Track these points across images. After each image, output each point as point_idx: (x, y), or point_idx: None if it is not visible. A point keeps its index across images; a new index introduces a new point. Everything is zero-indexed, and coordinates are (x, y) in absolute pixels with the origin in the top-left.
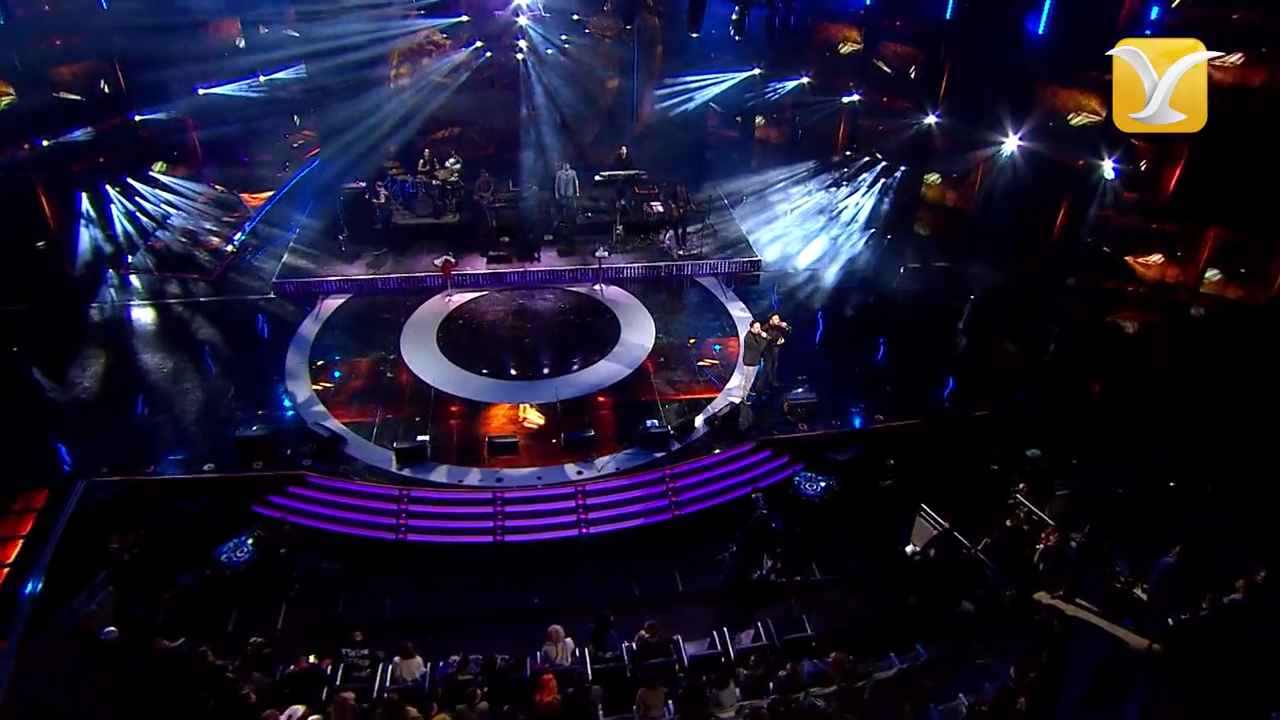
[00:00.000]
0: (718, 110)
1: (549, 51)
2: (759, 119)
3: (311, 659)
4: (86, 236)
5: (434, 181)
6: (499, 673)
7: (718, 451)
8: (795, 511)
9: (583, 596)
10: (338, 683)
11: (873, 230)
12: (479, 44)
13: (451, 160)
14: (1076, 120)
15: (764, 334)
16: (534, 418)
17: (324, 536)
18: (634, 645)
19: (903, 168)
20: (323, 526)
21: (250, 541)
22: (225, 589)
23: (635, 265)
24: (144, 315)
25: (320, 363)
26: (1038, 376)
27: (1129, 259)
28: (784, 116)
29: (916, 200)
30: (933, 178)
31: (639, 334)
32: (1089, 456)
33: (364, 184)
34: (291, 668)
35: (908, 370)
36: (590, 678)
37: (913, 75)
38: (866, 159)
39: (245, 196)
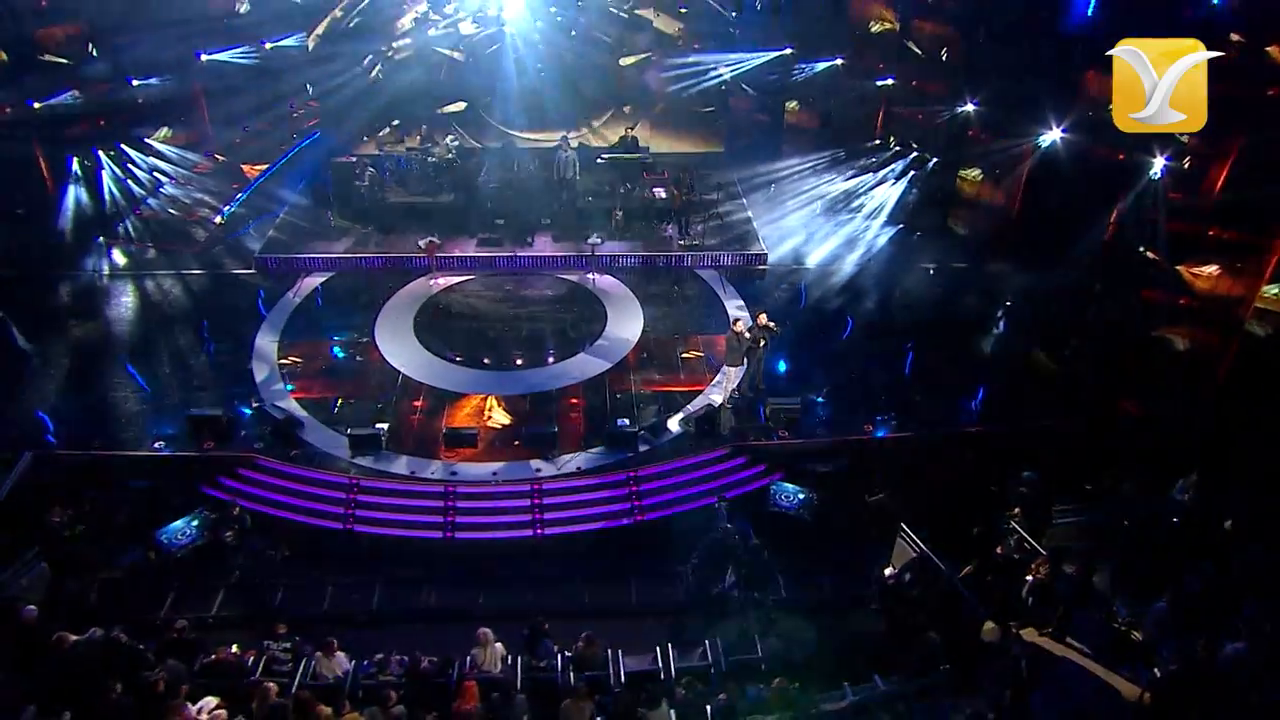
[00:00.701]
0: (749, 92)
1: (558, 19)
2: (793, 103)
3: (234, 649)
4: (75, 203)
5: (429, 158)
6: (422, 675)
7: (688, 455)
8: (771, 525)
9: (530, 601)
10: (257, 675)
11: (900, 225)
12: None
13: (450, 137)
14: None
15: (746, 334)
16: (499, 417)
17: (272, 522)
18: (569, 655)
19: (934, 159)
20: (271, 512)
21: (196, 524)
22: (165, 572)
23: (632, 254)
24: (121, 286)
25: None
26: (1069, 393)
27: (1181, 268)
28: (818, 100)
29: (951, 195)
30: (972, 173)
31: (625, 327)
32: (1108, 484)
33: (354, 158)
34: (211, 657)
35: (925, 379)
36: (517, 687)
37: (944, 57)
38: (897, 148)
39: (245, 168)
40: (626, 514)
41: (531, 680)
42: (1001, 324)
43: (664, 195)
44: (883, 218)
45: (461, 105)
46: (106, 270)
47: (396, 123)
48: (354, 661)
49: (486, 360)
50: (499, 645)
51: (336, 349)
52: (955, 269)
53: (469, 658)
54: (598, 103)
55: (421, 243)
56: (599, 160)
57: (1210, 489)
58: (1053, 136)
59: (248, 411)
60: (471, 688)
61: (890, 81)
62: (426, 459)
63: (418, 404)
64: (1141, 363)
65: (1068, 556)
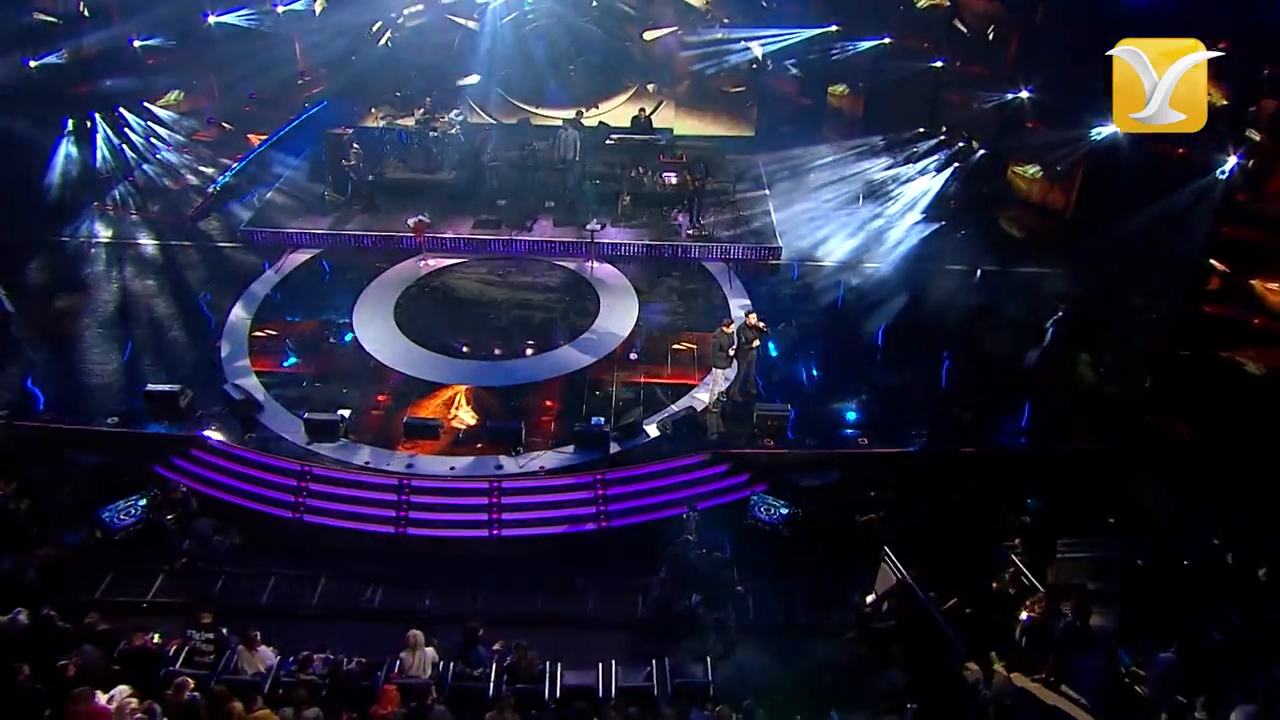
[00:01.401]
0: (795, 74)
1: None
2: (839, 87)
3: (155, 638)
4: (65, 166)
5: (431, 132)
6: (344, 676)
7: (664, 460)
8: (748, 540)
9: (479, 605)
10: (177, 666)
11: (941, 222)
12: None
13: (454, 112)
14: None
15: (731, 333)
16: (465, 416)
17: (222, 507)
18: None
19: (981, 150)
20: (221, 496)
21: (143, 504)
22: (108, 551)
23: (635, 243)
24: (102, 253)
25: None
26: (1105, 411)
27: (1256, 282)
28: (861, 83)
29: (1002, 192)
30: (1029, 170)
31: (617, 320)
32: (1138, 517)
33: (350, 130)
34: (132, 644)
35: (963, 393)
36: (438, 694)
37: (990, 37)
38: (941, 137)
39: (252, 137)
40: (591, 519)
41: (458, 689)
42: (1050, 335)
43: (675, 181)
44: (918, 212)
45: (475, 78)
46: (90, 236)
47: (400, 94)
48: (279, 657)
49: (465, 349)
50: (430, 650)
51: (340, 336)
52: (1005, 273)
53: (397, 661)
54: (619, 80)
55: (410, 221)
56: (608, 141)
57: (1250, 529)
58: (1111, 129)
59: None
60: (391, 692)
61: (939, 64)
62: (386, 449)
63: (381, 398)
64: (1201, 385)
65: (1073, 595)
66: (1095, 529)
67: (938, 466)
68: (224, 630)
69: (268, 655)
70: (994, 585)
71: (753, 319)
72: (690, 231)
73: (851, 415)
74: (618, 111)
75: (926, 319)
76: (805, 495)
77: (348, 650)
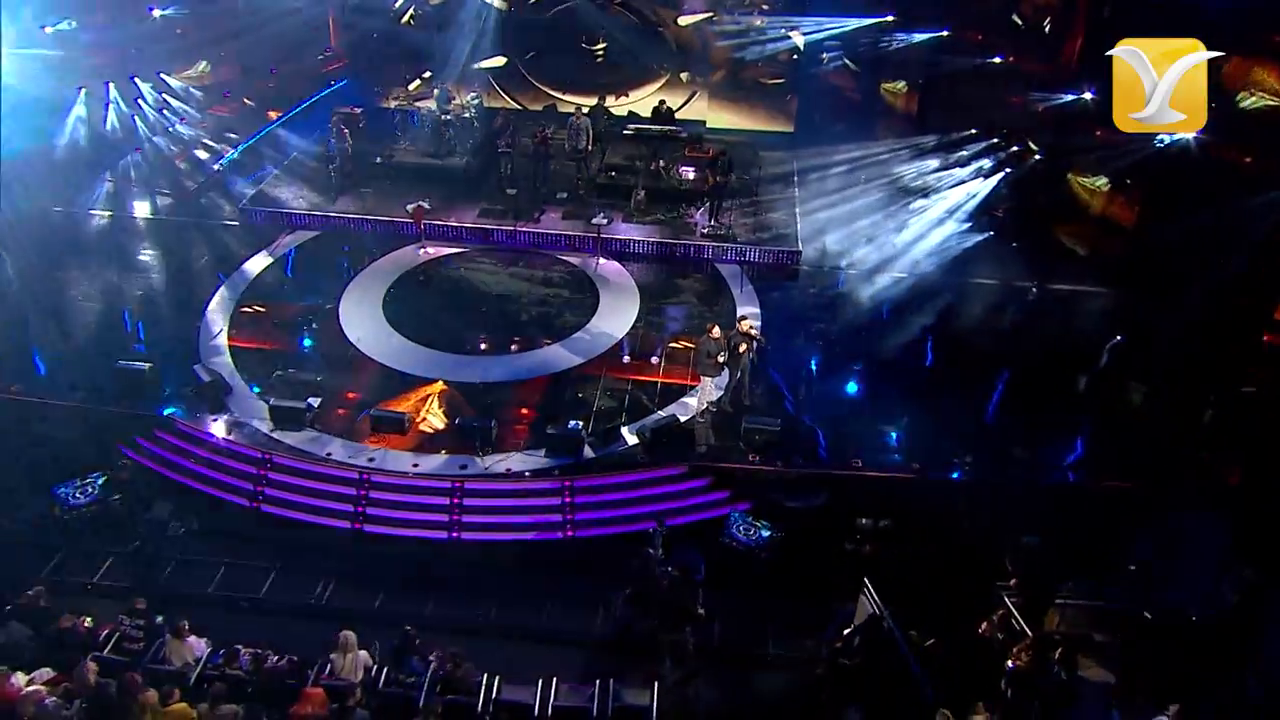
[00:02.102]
0: (851, 67)
1: None
2: (899, 84)
3: (88, 621)
4: (77, 135)
5: (444, 115)
6: (269, 673)
7: (640, 470)
8: (724, 561)
9: (431, 610)
10: (105, 651)
11: (989, 233)
12: None
13: (470, 95)
14: (1250, 102)
15: (719, 339)
16: (434, 420)
17: (183, 491)
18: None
19: (1037, 155)
20: (181, 480)
21: (101, 483)
22: (62, 529)
23: (646, 240)
24: (101, 225)
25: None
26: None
27: None
28: (913, 78)
29: (1062, 203)
30: (1096, 181)
31: (614, 320)
32: (1158, 566)
33: (360, 109)
34: (62, 626)
35: (1011, 420)
36: (359, 697)
37: (1046, 30)
38: (994, 139)
39: (272, 114)
40: (556, 527)
41: (387, 695)
42: (1105, 361)
43: (692, 176)
44: (964, 220)
45: (501, 60)
46: (93, 207)
47: (428, 74)
48: (210, 648)
49: (484, 345)
50: (363, 653)
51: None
52: (1060, 292)
53: (329, 662)
54: (651, 67)
55: (409, 206)
56: (625, 131)
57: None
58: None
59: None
60: (314, 694)
61: (998, 60)
62: (348, 440)
63: (351, 396)
64: (1261, 425)
65: (1061, 645)
66: (1110, 575)
67: (941, 495)
68: (159, 618)
69: (197, 646)
70: (982, 628)
71: (745, 325)
72: (706, 230)
73: (892, 437)
74: (649, 101)
75: (974, 336)
76: (789, 518)
77: (288, 647)
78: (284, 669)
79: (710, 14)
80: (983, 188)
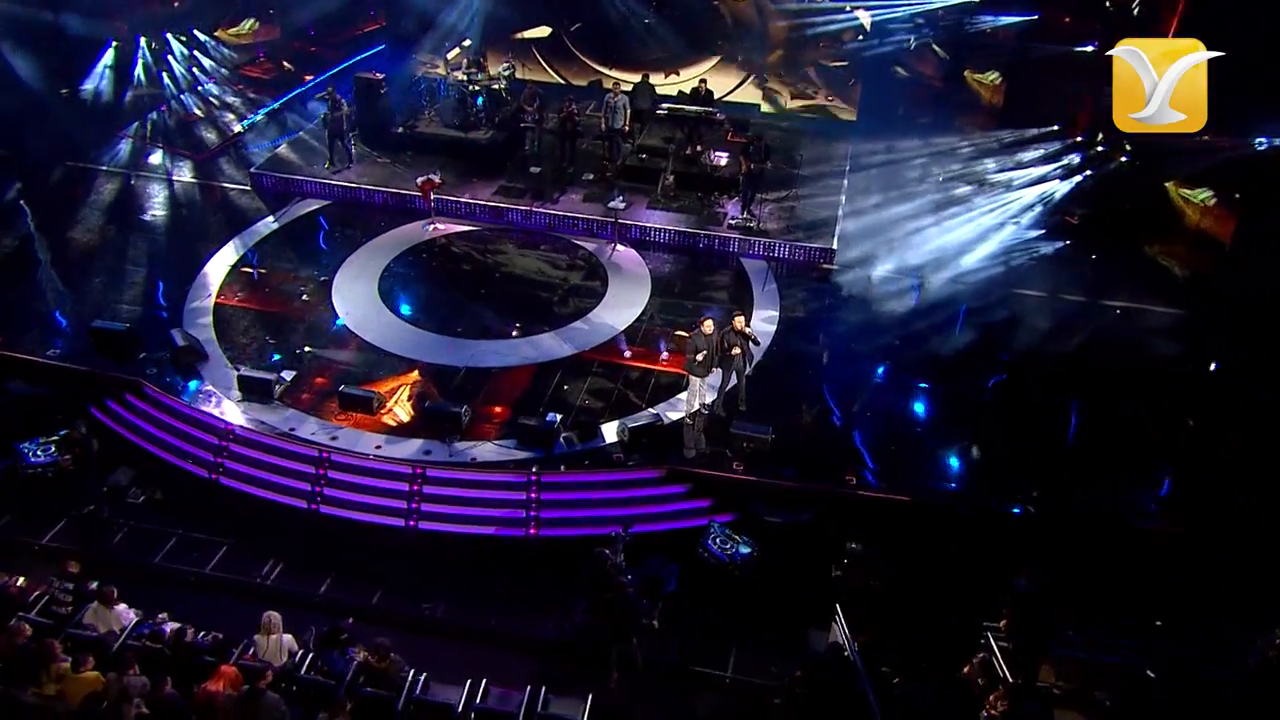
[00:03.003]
0: (939, 53)
1: None
2: (992, 75)
3: (20, 581)
4: (101, 89)
5: (472, 86)
6: (188, 647)
7: (615, 470)
8: (701, 573)
9: (378, 600)
10: (34, 614)
11: (1065, 242)
12: None
13: (503, 65)
14: None
15: (711, 335)
16: (399, 411)
17: (147, 459)
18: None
19: (1125, 157)
20: (144, 446)
21: (55, 442)
22: (19, 487)
23: (667, 228)
24: (112, 181)
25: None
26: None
27: None
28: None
29: (1156, 216)
30: (1200, 194)
31: (619, 312)
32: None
33: (381, 75)
34: None
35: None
36: (270, 679)
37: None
38: (1078, 138)
39: (309, 78)
40: (519, 524)
41: (304, 682)
42: (1193, 393)
43: (724, 163)
44: (1025, 225)
45: (545, 30)
46: (107, 163)
47: (468, 42)
48: (138, 618)
49: (516, 330)
50: (288, 637)
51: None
52: (1146, 313)
53: (253, 643)
54: (704, 44)
55: (419, 180)
56: (659, 111)
57: None
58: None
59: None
60: (227, 671)
61: (1090, 48)
62: (316, 416)
63: (320, 381)
64: None
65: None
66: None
67: (945, 523)
68: (94, 584)
69: (124, 615)
70: (965, 670)
71: (739, 323)
72: (734, 221)
73: (953, 463)
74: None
75: (1047, 355)
76: (771, 534)
77: (221, 624)
78: (206, 645)
79: None
80: (1057, 189)
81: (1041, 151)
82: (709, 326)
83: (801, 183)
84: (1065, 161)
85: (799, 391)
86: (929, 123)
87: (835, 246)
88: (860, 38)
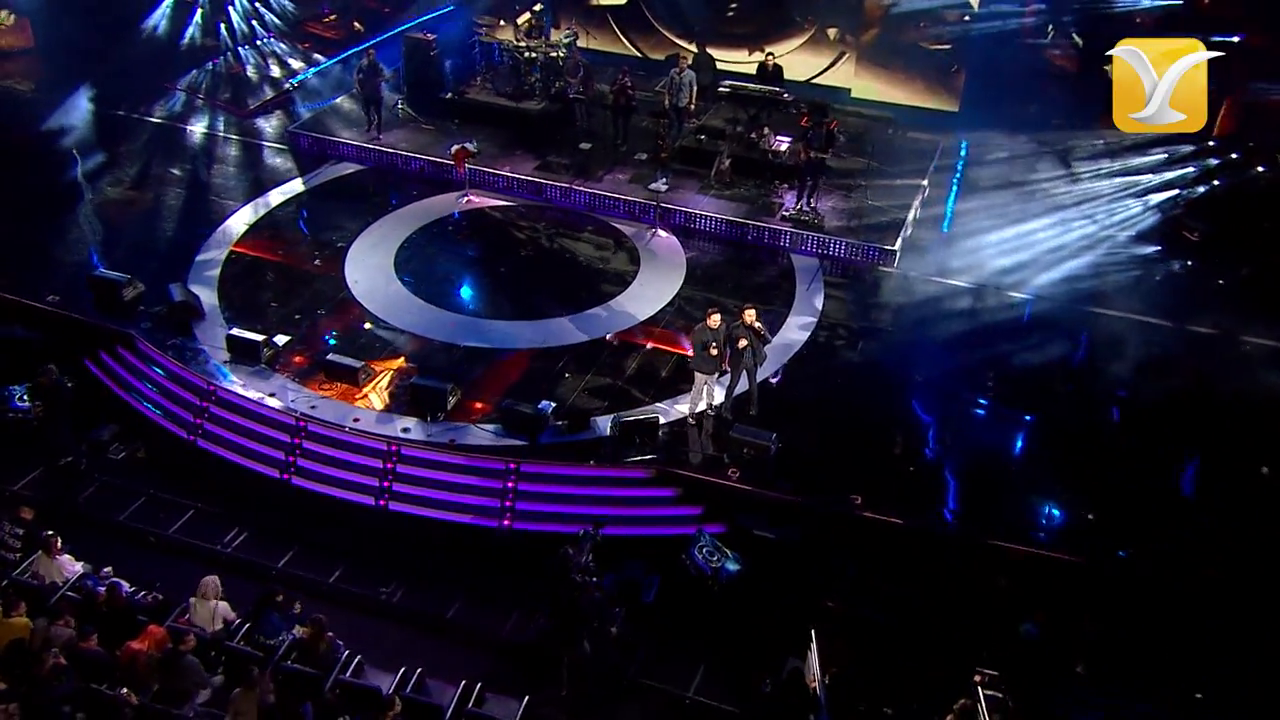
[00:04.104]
0: (1075, 42)
1: None
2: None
3: None
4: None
5: (528, 54)
6: (122, 603)
7: (600, 466)
8: (681, 583)
9: (336, 579)
10: None
11: (1184, 261)
12: None
13: (564, 31)
14: None
15: (718, 329)
16: (375, 399)
17: (132, 415)
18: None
19: (1261, 166)
20: (129, 400)
21: (27, 388)
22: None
23: (713, 215)
24: (150, 133)
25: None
26: None
27: None
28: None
29: None
30: None
31: (644, 301)
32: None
33: (433, 36)
34: None
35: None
36: (192, 644)
37: None
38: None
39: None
40: (493, 514)
41: (231, 651)
42: None
43: (784, 149)
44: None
45: None
46: (154, 114)
47: (539, 7)
48: (85, 569)
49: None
50: (224, 605)
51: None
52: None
53: (188, 606)
54: (793, 18)
55: (452, 148)
56: (720, 89)
57: None
58: None
59: None
60: (154, 631)
61: (1235, 39)
62: (301, 386)
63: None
64: None
65: None
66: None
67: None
68: (49, 532)
69: (68, 566)
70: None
71: (749, 316)
72: (788, 213)
73: (1055, 512)
74: (787, 60)
75: (1163, 392)
76: (761, 550)
77: (169, 588)
78: (145, 604)
79: None
80: (1177, 199)
81: (1165, 155)
82: (715, 319)
83: (875, 175)
84: (1191, 168)
85: (820, 401)
86: (1046, 117)
87: (898, 248)
88: (966, 18)
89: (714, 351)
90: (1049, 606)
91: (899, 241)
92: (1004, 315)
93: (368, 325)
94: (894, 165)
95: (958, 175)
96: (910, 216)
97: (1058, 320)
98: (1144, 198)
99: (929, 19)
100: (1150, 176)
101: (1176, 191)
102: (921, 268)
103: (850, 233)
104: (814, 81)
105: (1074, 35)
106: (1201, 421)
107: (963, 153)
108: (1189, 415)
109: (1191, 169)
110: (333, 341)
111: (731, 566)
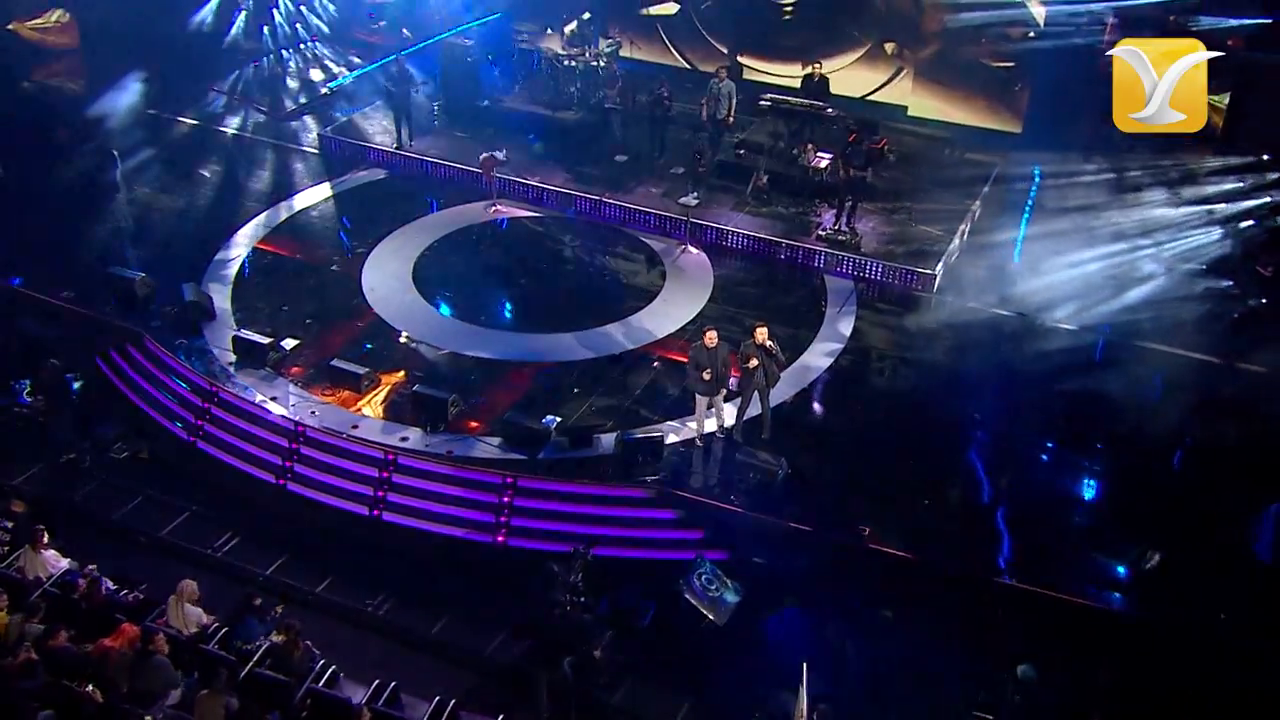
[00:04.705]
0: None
1: None
2: (1221, 98)
3: None
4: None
5: (567, 62)
6: (100, 600)
7: (601, 484)
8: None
9: (324, 589)
10: None
11: (1258, 300)
12: None
13: (606, 41)
14: None
15: (715, 349)
16: (368, 411)
17: (138, 414)
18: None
19: None
20: (133, 398)
21: (29, 384)
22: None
23: (745, 232)
24: (186, 133)
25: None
26: None
27: None
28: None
29: None
30: None
31: (663, 319)
32: None
33: (470, 42)
34: None
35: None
36: (161, 644)
37: None
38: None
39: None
40: (488, 529)
41: (203, 654)
42: None
43: (824, 165)
44: (1198, 275)
45: (673, 7)
46: (189, 115)
47: (587, 15)
48: (71, 565)
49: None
50: (199, 610)
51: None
52: None
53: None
54: (850, 32)
55: (482, 155)
56: (761, 103)
57: None
58: None
59: None
60: (128, 630)
61: None
62: (304, 391)
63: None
64: None
65: None
66: None
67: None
68: (38, 527)
69: (53, 560)
70: None
71: (761, 334)
72: (824, 232)
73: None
74: (843, 74)
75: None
76: (760, 580)
77: (158, 589)
78: (126, 603)
79: None
80: (1251, 232)
81: (1242, 184)
82: (712, 338)
83: (923, 197)
84: (1268, 198)
85: (838, 429)
86: (1117, 140)
87: (938, 273)
88: (1031, 34)
89: (707, 376)
90: (1063, 650)
91: (940, 266)
92: (1052, 348)
93: (404, 338)
94: (945, 186)
95: (1030, 202)
96: (955, 241)
97: (1117, 356)
98: (1216, 227)
99: (991, 35)
100: (1225, 205)
101: (1251, 222)
102: (966, 294)
103: (889, 255)
104: (869, 98)
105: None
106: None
107: (1036, 178)
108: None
109: (1269, 198)
110: (369, 347)
111: (730, 597)
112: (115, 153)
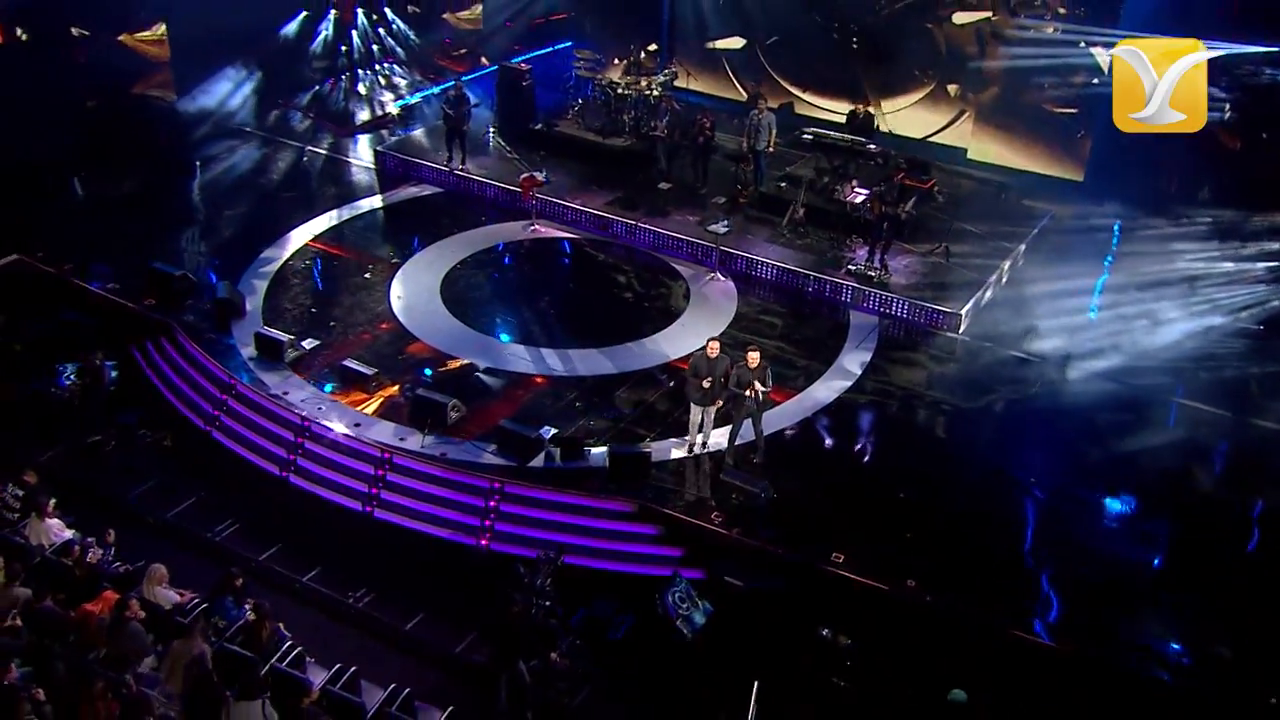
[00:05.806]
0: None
1: None
2: None
3: None
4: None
5: (620, 90)
6: (89, 569)
7: (586, 494)
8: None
9: (310, 579)
10: None
11: None
12: None
13: (663, 73)
14: None
15: (715, 359)
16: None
17: (164, 404)
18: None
19: None
20: (161, 389)
21: (75, 369)
22: (44, 408)
23: (773, 262)
24: (256, 143)
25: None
26: None
27: None
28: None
29: None
30: None
31: (678, 341)
32: None
33: (527, 67)
34: None
35: None
36: (136, 610)
37: None
38: None
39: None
40: (473, 532)
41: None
42: None
43: (860, 200)
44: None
45: (739, 42)
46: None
47: (654, 47)
48: (73, 536)
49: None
50: (171, 591)
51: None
52: None
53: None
54: (911, 73)
55: (521, 176)
56: (803, 135)
57: None
58: None
59: None
60: (109, 597)
61: None
62: (316, 388)
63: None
64: None
65: None
66: None
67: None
68: (50, 500)
69: (55, 529)
70: None
71: (753, 359)
72: (853, 268)
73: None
74: (905, 115)
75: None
76: (734, 600)
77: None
78: (114, 573)
79: (988, 14)
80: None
81: None
82: (714, 349)
83: (966, 239)
84: None
85: (834, 459)
86: (1187, 193)
87: (964, 313)
88: (1095, 80)
89: (706, 385)
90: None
91: (967, 306)
92: (1085, 396)
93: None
94: (990, 229)
95: (1109, 259)
96: (990, 284)
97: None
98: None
99: (1054, 80)
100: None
101: None
102: (995, 336)
103: (915, 293)
104: (929, 140)
105: (1225, 106)
106: None
107: (1116, 232)
108: None
109: None
110: (428, 373)
111: (698, 619)
112: (197, 163)
